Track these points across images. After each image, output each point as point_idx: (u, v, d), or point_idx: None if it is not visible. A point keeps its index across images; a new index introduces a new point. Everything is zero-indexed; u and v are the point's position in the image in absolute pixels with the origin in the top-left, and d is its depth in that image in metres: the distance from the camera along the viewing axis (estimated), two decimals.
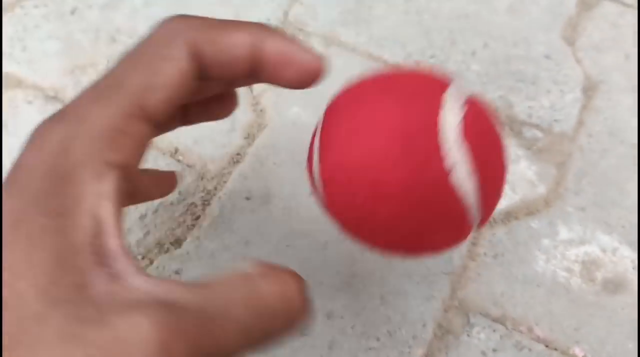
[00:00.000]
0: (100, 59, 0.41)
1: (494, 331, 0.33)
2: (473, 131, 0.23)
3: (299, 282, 0.21)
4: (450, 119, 0.22)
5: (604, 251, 0.35)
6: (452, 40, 0.42)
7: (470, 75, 0.40)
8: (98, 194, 0.19)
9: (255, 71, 0.23)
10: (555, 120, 0.39)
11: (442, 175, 0.22)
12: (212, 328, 0.18)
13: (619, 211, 0.36)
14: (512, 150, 0.38)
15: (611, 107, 0.39)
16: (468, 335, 0.33)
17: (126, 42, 0.41)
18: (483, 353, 0.32)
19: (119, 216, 0.19)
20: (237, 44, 0.22)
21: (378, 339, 0.33)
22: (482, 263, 0.35)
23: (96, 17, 0.42)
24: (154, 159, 0.37)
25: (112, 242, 0.19)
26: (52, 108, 0.38)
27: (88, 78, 0.40)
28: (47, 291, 0.17)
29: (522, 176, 0.37)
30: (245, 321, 0.19)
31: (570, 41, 0.42)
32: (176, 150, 0.38)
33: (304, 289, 0.21)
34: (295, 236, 0.35)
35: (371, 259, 0.34)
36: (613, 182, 0.37)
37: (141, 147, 0.21)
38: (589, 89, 0.40)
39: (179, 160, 0.38)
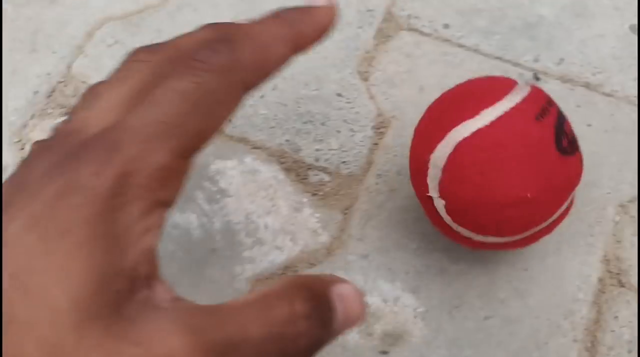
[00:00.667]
0: None
1: None
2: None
3: (314, 301, 0.21)
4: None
5: (385, 301, 0.33)
6: None
7: (257, 120, 0.39)
8: (145, 228, 0.21)
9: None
10: (343, 162, 0.37)
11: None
12: (233, 349, 0.20)
13: (403, 254, 0.35)
14: (297, 197, 0.36)
15: (402, 143, 0.38)
16: None
17: None
18: None
19: (157, 248, 0.21)
20: (280, 60, 0.24)
21: None
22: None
23: None
24: None
25: (149, 270, 0.20)
26: None
27: None
28: (85, 305, 0.19)
29: (304, 225, 0.35)
30: (259, 343, 0.20)
31: (364, 76, 0.40)
32: None
33: (318, 308, 0.21)
34: None
35: None
36: (399, 224, 0.35)
37: (184, 181, 0.22)
38: (381, 126, 0.39)
39: None
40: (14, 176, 0.22)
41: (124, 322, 0.19)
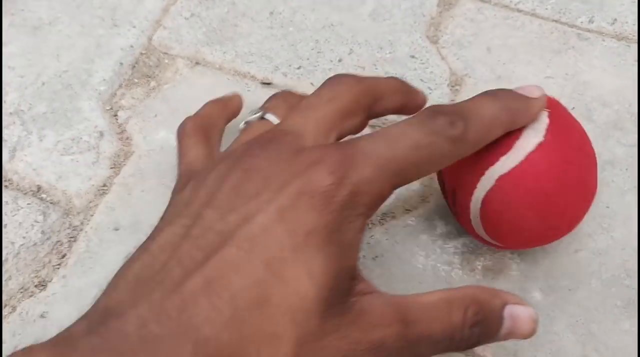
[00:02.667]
0: None
1: None
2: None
3: (483, 315, 0.25)
4: None
5: None
6: (319, 50, 0.42)
7: None
8: (360, 240, 0.24)
9: None
10: None
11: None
12: (422, 341, 0.24)
13: None
14: None
15: None
16: None
17: None
18: None
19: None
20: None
21: None
22: (361, 267, 0.34)
23: None
24: (14, 200, 0.35)
25: (358, 270, 0.25)
26: None
27: None
28: (326, 295, 0.22)
29: None
30: (437, 341, 0.24)
31: (433, 40, 0.43)
32: (39, 189, 0.36)
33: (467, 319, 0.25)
34: None
35: None
36: None
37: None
38: (456, 84, 0.41)
39: (42, 199, 0.36)
40: (239, 167, 0.25)
41: (351, 311, 0.23)
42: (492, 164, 0.29)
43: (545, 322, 0.33)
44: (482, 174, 0.29)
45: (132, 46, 0.42)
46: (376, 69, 0.41)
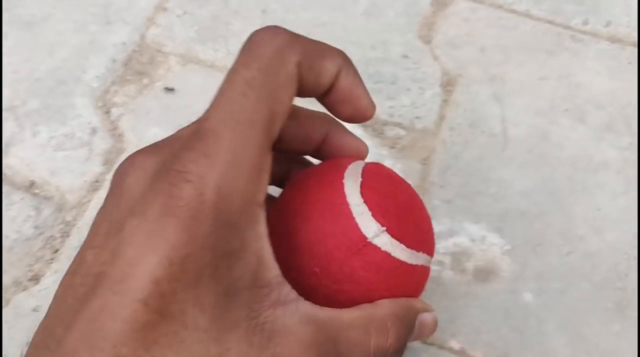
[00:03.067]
0: None
1: None
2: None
3: (403, 334, 0.25)
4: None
5: (472, 240, 0.35)
6: None
7: None
8: (257, 236, 0.22)
9: (323, 96, 0.25)
10: (417, 118, 0.39)
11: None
12: (340, 341, 0.23)
13: (484, 199, 0.37)
14: (377, 150, 0.38)
15: (470, 99, 0.40)
16: None
17: None
18: None
19: (270, 249, 0.22)
20: (327, 73, 0.24)
21: None
22: None
23: None
24: (7, 195, 0.35)
25: (271, 274, 0.22)
26: None
27: None
28: (221, 319, 0.20)
29: None
30: (363, 342, 0.23)
31: (426, 40, 0.43)
32: (32, 184, 0.36)
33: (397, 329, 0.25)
34: None
35: None
36: (476, 172, 0.37)
37: (269, 176, 0.23)
38: (448, 84, 0.41)
39: (35, 194, 0.36)
40: (113, 193, 0.23)
41: (260, 331, 0.21)
42: None
43: (536, 324, 0.33)
44: None
45: (124, 43, 0.41)
46: (368, 68, 0.41)
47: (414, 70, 0.41)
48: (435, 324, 0.28)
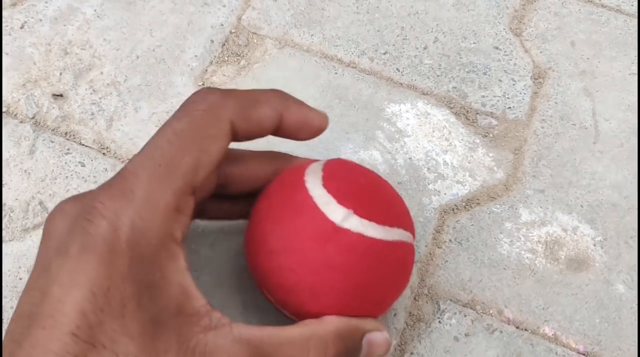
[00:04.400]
0: (53, 72, 0.40)
1: (465, 315, 0.33)
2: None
3: (344, 350, 0.26)
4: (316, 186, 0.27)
5: (565, 230, 0.36)
6: (404, 37, 0.42)
7: (423, 69, 0.41)
8: (177, 270, 0.23)
9: (274, 133, 0.27)
10: (509, 108, 0.40)
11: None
12: None
13: (575, 190, 0.37)
14: (470, 138, 0.39)
15: (561, 92, 0.40)
16: (439, 321, 0.33)
17: (79, 54, 0.41)
18: (455, 339, 0.33)
19: (193, 281, 0.24)
20: (265, 119, 0.26)
21: None
22: (448, 250, 0.35)
23: (47, 31, 0.42)
24: (112, 167, 0.37)
25: (198, 304, 0.23)
26: (3, 122, 0.38)
27: (41, 91, 0.39)
28: (151, 346, 0.21)
29: (480, 163, 0.38)
30: None
31: (517, 32, 0.43)
32: None
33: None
34: None
35: None
36: (568, 163, 0.38)
37: (190, 218, 0.24)
38: (539, 76, 0.41)
39: None
40: (44, 237, 0.24)
41: (192, 354, 0.22)
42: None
43: (629, 315, 0.33)
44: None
45: (222, 25, 0.43)
46: (460, 58, 0.42)
47: (505, 61, 0.42)
48: (387, 344, 0.28)
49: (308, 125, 0.28)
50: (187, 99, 0.25)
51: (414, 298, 0.33)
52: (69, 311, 0.21)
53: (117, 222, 0.22)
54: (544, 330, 0.33)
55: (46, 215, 0.35)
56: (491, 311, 0.33)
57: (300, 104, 0.28)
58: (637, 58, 0.42)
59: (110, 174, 0.36)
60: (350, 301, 0.26)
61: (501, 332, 0.33)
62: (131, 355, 0.21)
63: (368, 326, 0.27)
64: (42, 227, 0.25)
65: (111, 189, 0.23)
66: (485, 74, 0.41)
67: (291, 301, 0.27)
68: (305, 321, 0.26)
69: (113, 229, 0.22)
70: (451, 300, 0.34)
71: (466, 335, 0.33)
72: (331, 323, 0.25)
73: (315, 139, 0.29)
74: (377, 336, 0.27)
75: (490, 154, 0.38)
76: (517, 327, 0.33)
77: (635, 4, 0.44)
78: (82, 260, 0.21)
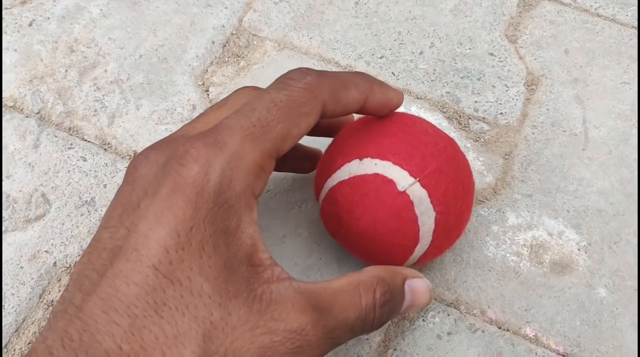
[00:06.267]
0: (59, 69, 0.41)
1: (448, 315, 0.34)
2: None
3: (390, 293, 0.27)
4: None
5: (550, 234, 0.37)
6: (401, 41, 0.43)
7: (418, 74, 0.42)
8: (251, 220, 0.24)
9: (357, 112, 0.29)
10: (501, 113, 0.41)
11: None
12: (338, 327, 0.25)
13: (563, 196, 0.38)
14: (461, 142, 0.39)
15: (552, 99, 0.41)
16: (423, 320, 0.34)
17: (84, 52, 0.42)
18: (438, 337, 0.34)
19: (261, 235, 0.25)
20: (353, 101, 0.28)
21: None
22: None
23: (54, 29, 0.43)
24: (113, 163, 0.38)
25: (264, 256, 0.25)
26: (9, 117, 0.39)
27: (46, 87, 0.40)
28: (223, 288, 0.22)
29: (471, 167, 0.39)
30: (352, 324, 0.25)
31: (512, 39, 0.44)
32: (135, 154, 0.39)
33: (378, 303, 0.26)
34: None
35: (327, 251, 0.35)
36: (557, 169, 0.39)
37: (268, 178, 0.26)
38: (532, 83, 0.42)
39: None
40: (127, 181, 0.25)
41: (259, 301, 0.23)
42: (337, 170, 0.31)
43: (609, 319, 0.34)
44: (329, 176, 0.31)
45: (223, 26, 0.44)
46: (455, 63, 0.42)
47: (499, 67, 0.42)
48: (429, 292, 0.29)
49: (388, 105, 0.30)
50: (286, 75, 0.27)
51: None
52: (153, 245, 0.22)
53: (208, 168, 0.23)
54: (525, 331, 0.34)
55: (48, 207, 0.36)
56: (474, 311, 0.34)
57: (382, 85, 0.30)
58: (629, 67, 0.42)
59: (111, 169, 0.38)
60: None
61: (483, 331, 0.34)
62: (205, 294, 0.22)
63: (407, 271, 0.29)
64: (125, 172, 0.26)
65: (206, 138, 0.24)
66: (479, 79, 0.42)
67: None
68: (349, 274, 0.27)
69: (204, 174, 0.23)
70: (436, 299, 0.35)
71: (449, 334, 0.34)
72: (373, 270, 0.27)
73: (311, 140, 0.31)
74: (419, 282, 0.29)
75: (481, 159, 0.39)
76: (499, 328, 0.34)
77: (630, 14, 0.45)
78: (171, 200, 0.23)
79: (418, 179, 0.29)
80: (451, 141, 0.32)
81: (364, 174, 0.30)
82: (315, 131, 0.32)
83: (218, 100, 0.40)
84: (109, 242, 0.23)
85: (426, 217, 0.30)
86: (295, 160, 0.35)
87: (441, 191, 0.30)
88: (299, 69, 0.27)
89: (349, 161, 0.30)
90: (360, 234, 0.30)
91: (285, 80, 0.27)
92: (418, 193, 0.29)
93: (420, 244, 0.30)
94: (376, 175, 0.29)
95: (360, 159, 0.30)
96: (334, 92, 0.27)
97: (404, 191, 0.29)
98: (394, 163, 0.29)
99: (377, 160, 0.30)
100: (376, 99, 0.29)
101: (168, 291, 0.22)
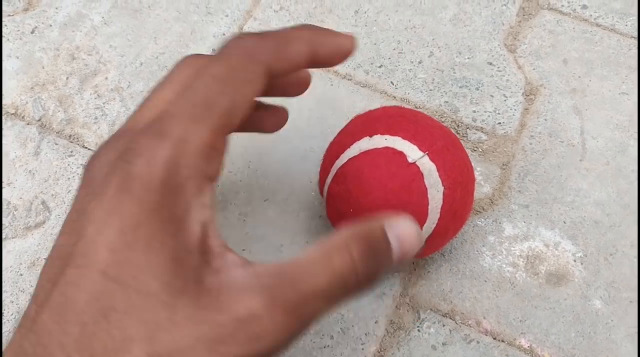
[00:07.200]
0: (60, 76, 0.42)
1: (444, 325, 0.34)
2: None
3: (369, 245, 0.24)
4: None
5: (546, 245, 0.37)
6: (400, 51, 0.44)
7: (417, 83, 0.42)
8: (202, 204, 0.23)
9: (308, 66, 0.27)
10: (499, 123, 0.41)
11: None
12: (306, 302, 0.22)
13: (559, 206, 0.38)
14: None
15: (551, 109, 0.41)
16: (419, 330, 0.34)
17: (85, 59, 0.42)
18: (433, 347, 0.34)
19: (215, 219, 0.24)
20: (299, 56, 0.26)
21: (332, 337, 0.34)
22: (430, 260, 0.36)
23: (56, 36, 0.43)
24: None
25: (216, 243, 0.23)
26: (11, 124, 0.39)
27: (47, 94, 0.41)
28: (170, 284, 0.21)
29: None
30: (326, 291, 0.23)
31: (511, 48, 0.44)
32: None
33: (365, 261, 0.24)
34: (251, 240, 0.36)
35: None
36: (554, 180, 0.39)
37: (223, 157, 0.25)
38: (530, 93, 0.42)
39: None
40: (82, 184, 0.24)
41: (207, 293, 0.22)
42: (345, 150, 0.32)
43: (604, 331, 0.34)
44: (337, 158, 0.32)
45: (224, 34, 0.44)
46: (454, 73, 0.43)
47: (498, 77, 0.43)
48: (417, 234, 0.26)
49: (341, 53, 0.28)
50: (223, 45, 0.26)
51: (396, 306, 0.35)
52: (100, 249, 0.21)
53: (152, 160, 0.22)
54: (520, 342, 0.34)
55: (48, 214, 0.37)
56: (470, 322, 0.35)
57: (329, 32, 0.28)
58: (627, 77, 0.43)
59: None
60: None
61: (478, 342, 0.34)
62: (152, 294, 0.21)
63: (381, 217, 0.25)
64: (82, 174, 0.25)
65: (148, 130, 0.23)
66: (477, 89, 0.42)
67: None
68: (320, 240, 0.25)
69: (148, 167, 0.22)
70: (431, 309, 0.35)
71: (444, 344, 0.34)
72: (345, 229, 0.24)
73: (308, 149, 0.31)
74: (402, 226, 0.25)
75: (478, 169, 0.39)
76: (494, 339, 0.34)
77: (629, 24, 0.45)
78: (118, 199, 0.22)
79: (427, 152, 0.30)
80: (455, 136, 0.34)
81: (374, 148, 0.31)
82: (273, 92, 0.30)
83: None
84: (62, 249, 0.22)
85: (435, 190, 0.30)
86: (258, 119, 0.32)
87: (448, 166, 0.31)
88: (236, 35, 0.26)
89: (359, 140, 0.31)
90: (369, 210, 0.30)
91: (222, 52, 0.25)
92: (427, 165, 0.30)
93: (428, 221, 0.31)
94: (387, 148, 0.30)
95: (370, 136, 0.31)
96: (276, 51, 0.26)
97: (414, 163, 0.30)
98: (403, 138, 0.30)
99: (387, 136, 0.31)
100: (325, 48, 0.27)
101: (117, 295, 0.21)
